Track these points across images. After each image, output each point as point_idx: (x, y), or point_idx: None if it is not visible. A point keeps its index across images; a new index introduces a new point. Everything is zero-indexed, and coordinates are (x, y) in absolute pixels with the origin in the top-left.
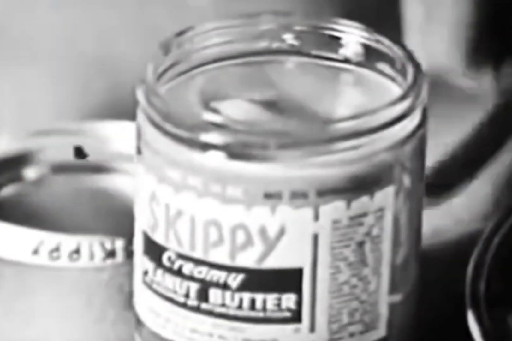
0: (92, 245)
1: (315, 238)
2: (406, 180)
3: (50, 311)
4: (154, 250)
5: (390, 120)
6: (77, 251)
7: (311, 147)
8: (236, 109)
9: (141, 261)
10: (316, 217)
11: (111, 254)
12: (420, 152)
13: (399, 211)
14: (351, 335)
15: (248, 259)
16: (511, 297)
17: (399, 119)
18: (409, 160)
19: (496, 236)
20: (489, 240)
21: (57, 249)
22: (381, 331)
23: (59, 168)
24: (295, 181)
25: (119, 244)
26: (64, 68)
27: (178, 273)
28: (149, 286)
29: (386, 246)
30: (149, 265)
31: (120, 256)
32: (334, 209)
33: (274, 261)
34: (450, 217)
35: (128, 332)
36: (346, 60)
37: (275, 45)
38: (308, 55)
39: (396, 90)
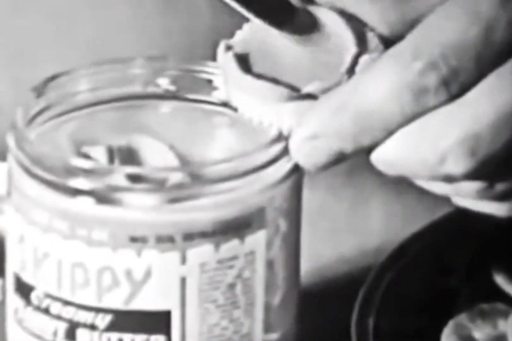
0: None
1: (183, 281)
2: (282, 222)
3: None
4: (23, 289)
5: (262, 164)
6: None
7: (178, 191)
8: (106, 154)
9: (12, 299)
10: (183, 261)
11: None
12: (296, 194)
13: (274, 253)
14: None
15: (115, 300)
16: (400, 335)
17: (272, 162)
18: (285, 202)
19: (388, 273)
20: (379, 277)
21: None
22: None
23: None
24: (161, 226)
25: None
26: None
27: (46, 312)
28: (19, 323)
29: (259, 288)
30: (19, 303)
31: None
32: (202, 252)
33: (141, 303)
34: (336, 253)
35: None
36: (222, 103)
37: (149, 89)
38: (183, 99)
39: (272, 132)
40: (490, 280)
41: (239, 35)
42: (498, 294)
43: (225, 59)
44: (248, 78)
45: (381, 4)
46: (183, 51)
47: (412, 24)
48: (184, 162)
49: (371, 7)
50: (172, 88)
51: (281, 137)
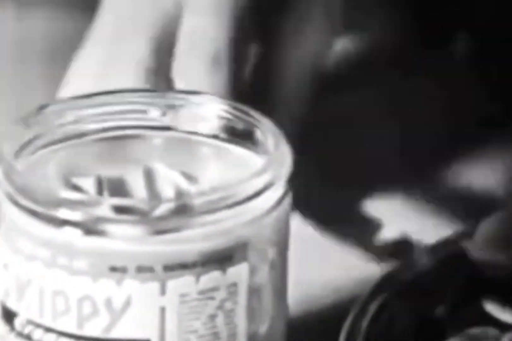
0: None
1: (163, 311)
2: (269, 252)
3: None
4: (8, 315)
5: (248, 196)
6: None
7: (162, 223)
8: (95, 185)
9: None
10: (163, 291)
11: None
12: (284, 224)
13: (261, 283)
14: None
15: (95, 328)
16: None
17: (258, 194)
18: (272, 232)
19: (374, 301)
20: (366, 305)
21: None
22: None
23: None
24: (141, 256)
25: None
26: None
27: (29, 338)
28: None
29: (241, 319)
30: (5, 329)
31: None
32: (182, 283)
33: (121, 332)
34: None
35: None
36: (209, 134)
37: (140, 120)
38: (172, 130)
39: (259, 163)
40: (480, 307)
41: None
42: (488, 320)
43: None
44: None
45: None
46: None
47: None
48: (175, 194)
49: None
50: (164, 119)
51: (266, 168)
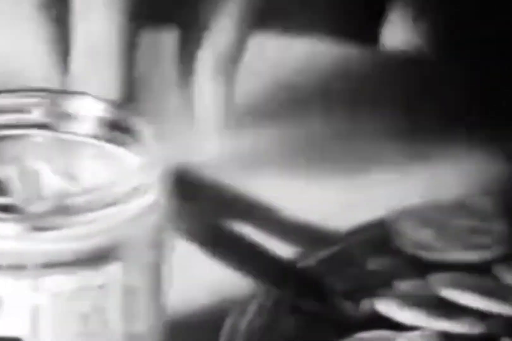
0: None
1: (36, 309)
2: (144, 252)
3: None
4: None
5: (125, 195)
6: None
7: (36, 221)
8: None
9: None
10: (36, 289)
11: None
12: (161, 225)
13: (135, 283)
14: None
15: None
16: None
17: (136, 194)
18: (147, 233)
19: (252, 303)
20: (244, 307)
21: None
22: None
23: None
24: (14, 254)
25: None
26: None
27: None
28: None
29: (115, 318)
30: None
31: None
32: (56, 282)
33: None
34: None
35: None
36: (89, 134)
37: (20, 120)
38: (54, 129)
39: (136, 163)
40: (372, 307)
41: None
42: (380, 321)
43: None
44: None
45: None
46: None
47: None
48: (49, 193)
49: None
50: (45, 119)
51: (142, 168)
